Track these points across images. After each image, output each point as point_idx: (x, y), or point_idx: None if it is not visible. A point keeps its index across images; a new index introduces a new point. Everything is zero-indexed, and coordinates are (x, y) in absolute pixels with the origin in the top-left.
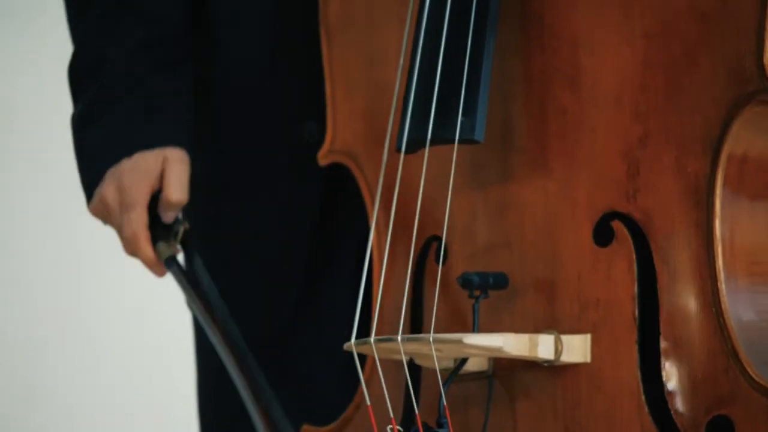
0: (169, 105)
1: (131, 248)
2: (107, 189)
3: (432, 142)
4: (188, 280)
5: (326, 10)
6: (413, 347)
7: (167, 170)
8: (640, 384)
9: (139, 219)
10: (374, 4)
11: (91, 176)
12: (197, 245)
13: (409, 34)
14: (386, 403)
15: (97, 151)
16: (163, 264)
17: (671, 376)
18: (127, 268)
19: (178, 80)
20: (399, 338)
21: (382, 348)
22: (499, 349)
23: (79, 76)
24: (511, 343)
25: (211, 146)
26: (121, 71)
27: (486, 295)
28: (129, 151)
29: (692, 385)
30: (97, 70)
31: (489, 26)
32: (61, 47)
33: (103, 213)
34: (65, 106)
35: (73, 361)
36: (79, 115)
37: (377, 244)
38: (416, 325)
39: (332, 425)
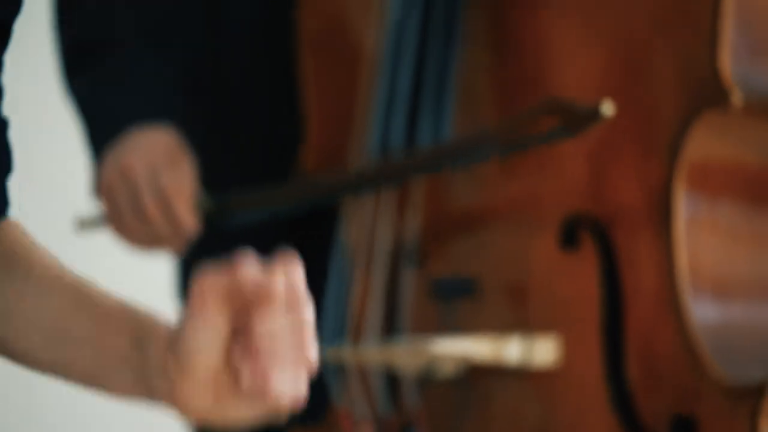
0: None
1: (169, 208)
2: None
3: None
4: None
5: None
6: (379, 353)
7: None
8: (606, 385)
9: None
10: (348, 16)
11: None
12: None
13: (378, 43)
14: (363, 405)
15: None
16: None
17: (636, 377)
18: (126, 268)
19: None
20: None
21: (351, 353)
22: (467, 353)
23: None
24: (478, 347)
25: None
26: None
27: (455, 300)
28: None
29: (657, 384)
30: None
31: (454, 36)
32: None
33: (126, 173)
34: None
35: None
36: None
37: (354, 246)
38: (393, 329)
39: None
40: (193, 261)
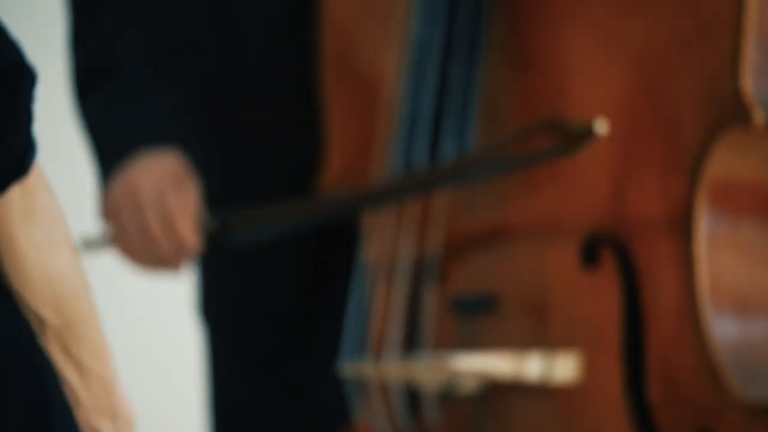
0: None
1: (172, 228)
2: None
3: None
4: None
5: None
6: (400, 369)
7: None
8: (626, 402)
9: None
10: (369, 35)
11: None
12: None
13: (400, 63)
14: (384, 421)
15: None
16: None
17: (656, 394)
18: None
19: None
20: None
21: (372, 369)
22: (487, 369)
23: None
24: (499, 363)
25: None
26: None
27: (476, 317)
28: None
29: (676, 402)
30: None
31: (476, 54)
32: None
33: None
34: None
35: None
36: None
37: (375, 263)
38: (414, 345)
39: None
40: (213, 279)
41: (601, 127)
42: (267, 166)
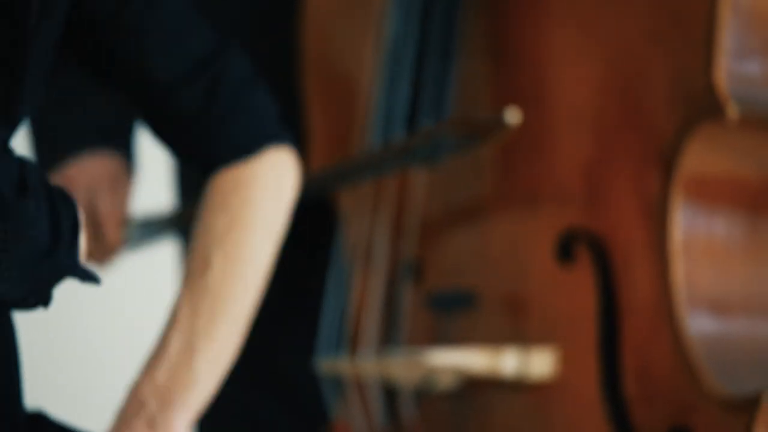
0: None
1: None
2: None
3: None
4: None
5: (305, 45)
6: (376, 365)
7: None
8: (602, 398)
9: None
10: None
11: None
12: None
13: (376, 60)
14: (360, 418)
15: None
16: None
17: (632, 390)
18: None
19: None
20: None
21: (348, 365)
22: (464, 365)
23: None
24: (475, 358)
25: None
26: None
27: (453, 312)
28: None
29: (653, 397)
30: None
31: (451, 49)
32: None
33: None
34: None
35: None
36: None
37: (351, 259)
38: (390, 340)
39: None
40: None
41: (512, 117)
42: None
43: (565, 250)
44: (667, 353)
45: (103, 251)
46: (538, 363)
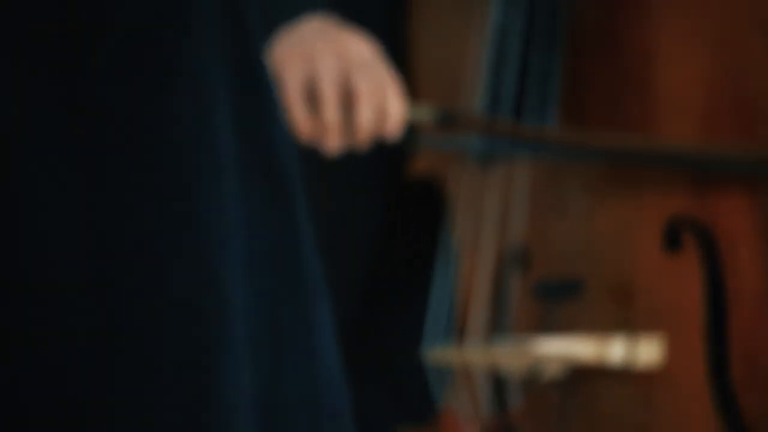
0: None
1: None
2: None
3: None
4: None
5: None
6: (484, 354)
7: None
8: (709, 386)
9: None
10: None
11: None
12: None
13: (481, 50)
14: (468, 406)
15: None
16: None
17: (739, 377)
18: None
19: None
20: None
21: (456, 354)
22: (571, 354)
23: None
24: (582, 347)
25: None
26: None
27: (560, 301)
28: None
29: (760, 384)
30: None
31: (557, 39)
32: None
33: None
34: None
35: None
36: None
37: (460, 248)
38: (498, 329)
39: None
40: None
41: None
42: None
43: (672, 239)
44: None
45: None
46: (646, 351)
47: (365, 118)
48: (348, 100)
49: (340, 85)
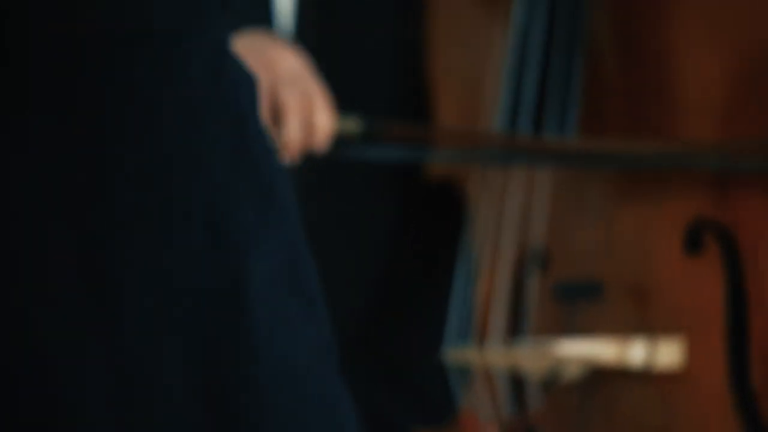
0: None
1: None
2: None
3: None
4: None
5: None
6: (504, 355)
7: None
8: (730, 388)
9: None
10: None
11: None
12: None
13: (502, 58)
14: (487, 407)
15: None
16: None
17: (759, 380)
18: None
19: None
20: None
21: (476, 355)
22: (591, 355)
23: None
24: (602, 348)
25: None
26: None
27: (580, 303)
28: None
29: None
30: None
31: (578, 43)
32: None
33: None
34: None
35: None
36: None
37: (480, 249)
38: (517, 331)
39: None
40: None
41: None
42: None
43: (694, 241)
44: None
45: None
46: (666, 353)
47: (293, 132)
48: (275, 115)
49: (267, 99)
